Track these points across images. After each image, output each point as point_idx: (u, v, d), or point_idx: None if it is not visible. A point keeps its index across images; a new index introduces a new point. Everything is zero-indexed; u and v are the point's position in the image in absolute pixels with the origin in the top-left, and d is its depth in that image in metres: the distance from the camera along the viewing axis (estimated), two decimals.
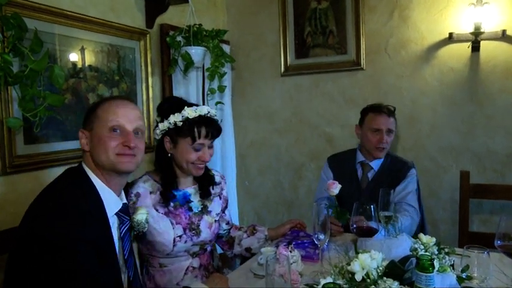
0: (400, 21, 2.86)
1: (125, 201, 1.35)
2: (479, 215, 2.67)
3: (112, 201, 1.27)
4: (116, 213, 1.30)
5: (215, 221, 1.79)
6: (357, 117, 2.98)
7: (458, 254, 1.50)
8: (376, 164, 2.27)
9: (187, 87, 2.77)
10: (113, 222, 1.27)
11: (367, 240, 1.40)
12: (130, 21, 2.46)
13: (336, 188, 1.73)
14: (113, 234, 1.25)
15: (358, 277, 1.08)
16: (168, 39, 2.56)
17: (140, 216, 1.48)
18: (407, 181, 2.15)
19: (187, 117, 1.61)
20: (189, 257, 1.71)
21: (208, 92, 2.75)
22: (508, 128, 2.65)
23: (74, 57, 2.13)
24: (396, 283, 1.09)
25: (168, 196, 1.66)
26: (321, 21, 3.06)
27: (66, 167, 2.07)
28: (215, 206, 1.81)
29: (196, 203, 1.75)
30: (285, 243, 1.42)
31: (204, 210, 1.76)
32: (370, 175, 2.28)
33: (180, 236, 1.64)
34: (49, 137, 2.02)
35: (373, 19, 2.93)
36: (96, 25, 2.23)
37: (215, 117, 1.73)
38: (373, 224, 1.53)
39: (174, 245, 1.63)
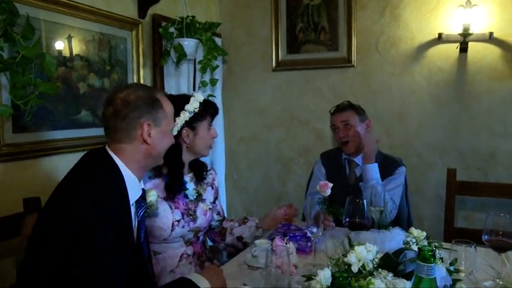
0: (391, 19, 2.90)
1: (143, 186, 1.36)
2: (462, 211, 2.73)
3: (135, 188, 1.29)
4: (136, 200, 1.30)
5: (209, 208, 1.83)
6: None
7: (445, 248, 1.55)
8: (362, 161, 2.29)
9: (178, 79, 2.76)
10: (133, 208, 1.28)
11: (361, 234, 1.43)
12: (122, 10, 2.44)
13: (328, 189, 1.76)
14: (132, 219, 1.26)
15: (355, 269, 1.11)
16: (160, 30, 2.54)
17: (152, 197, 1.51)
18: (394, 177, 2.18)
19: (200, 101, 1.71)
20: (183, 245, 1.74)
21: (200, 85, 2.74)
22: (492, 128, 2.72)
23: (62, 45, 2.09)
24: (390, 274, 1.12)
25: (174, 191, 1.69)
26: (313, 17, 3.07)
27: (57, 157, 2.09)
28: (208, 194, 1.87)
29: (191, 190, 1.80)
30: (280, 236, 1.44)
31: (199, 198, 1.81)
32: (357, 171, 2.30)
33: (178, 221, 1.68)
34: (38, 126, 1.99)
35: (365, 17, 2.95)
36: (87, 13, 2.19)
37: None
38: (365, 218, 1.56)
39: (172, 230, 1.65)
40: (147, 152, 1.29)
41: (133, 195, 1.28)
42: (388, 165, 2.23)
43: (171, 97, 1.68)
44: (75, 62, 2.16)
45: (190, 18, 2.58)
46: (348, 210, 1.59)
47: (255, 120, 3.36)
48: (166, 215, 1.66)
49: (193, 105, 1.70)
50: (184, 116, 1.70)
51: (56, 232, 1.09)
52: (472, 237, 1.48)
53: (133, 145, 1.27)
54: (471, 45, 2.67)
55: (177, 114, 1.67)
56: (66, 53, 2.12)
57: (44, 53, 1.71)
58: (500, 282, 1.38)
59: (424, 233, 1.45)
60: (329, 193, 1.76)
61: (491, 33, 2.61)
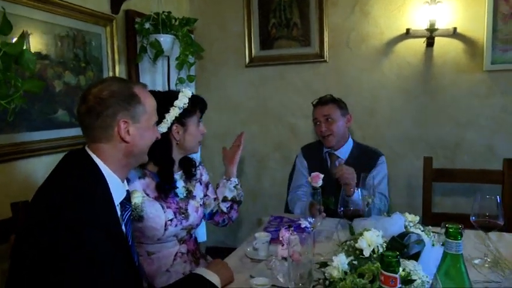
0: (361, 16, 2.99)
1: (127, 188, 1.31)
2: (433, 197, 2.87)
3: (118, 189, 1.23)
4: (120, 202, 1.26)
5: (200, 205, 1.81)
6: None
7: (434, 232, 1.63)
8: (343, 153, 2.33)
9: (153, 76, 2.71)
10: (118, 210, 1.23)
11: (362, 220, 1.48)
12: (94, 5, 2.35)
13: (320, 180, 1.79)
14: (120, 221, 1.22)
15: (366, 253, 1.15)
16: (136, 26, 2.49)
17: (137, 199, 1.47)
18: (378, 169, 2.24)
19: (189, 97, 1.68)
20: (176, 243, 1.72)
21: (177, 82, 2.69)
22: (457, 118, 2.89)
23: (36, 40, 1.99)
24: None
25: (166, 190, 1.66)
26: (286, 13, 3.12)
27: (34, 160, 2.00)
28: (198, 191, 1.85)
29: (181, 188, 1.77)
30: (285, 227, 1.46)
31: (189, 195, 1.79)
32: (338, 164, 2.36)
33: (171, 220, 1.65)
34: (15, 127, 1.89)
35: (336, 13, 3.03)
36: (58, 7, 2.09)
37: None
38: (359, 207, 1.62)
39: (165, 229, 1.62)
40: (127, 151, 1.22)
41: (117, 196, 1.22)
42: (369, 157, 2.30)
43: (158, 94, 1.65)
44: (50, 58, 2.06)
45: (166, 14, 2.53)
46: (342, 200, 1.63)
47: (229, 116, 3.36)
48: (159, 215, 1.63)
49: (182, 101, 1.67)
50: (174, 112, 1.66)
51: (36, 233, 1.05)
52: (449, 221, 1.56)
53: (112, 144, 1.20)
54: (437, 40, 2.81)
55: (166, 110, 1.64)
56: (41, 49, 2.02)
57: (23, 49, 1.62)
58: (488, 260, 1.48)
59: (417, 218, 1.52)
60: (320, 184, 1.80)
61: (455, 29, 2.77)
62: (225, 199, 1.91)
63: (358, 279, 1.01)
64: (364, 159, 2.27)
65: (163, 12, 2.53)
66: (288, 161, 3.25)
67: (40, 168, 2.02)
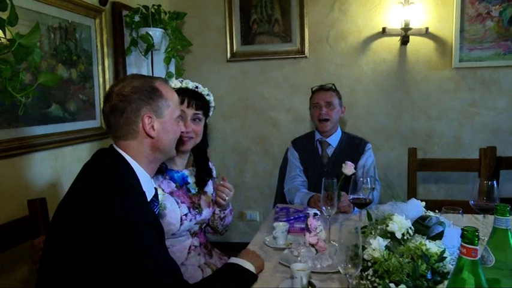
0: (340, 14, 3.12)
1: (155, 185, 1.31)
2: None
3: (149, 186, 1.23)
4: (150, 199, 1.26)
5: (211, 200, 1.83)
6: (300, 103, 3.21)
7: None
8: (333, 141, 2.43)
9: (139, 70, 2.67)
10: None
11: (380, 207, 1.57)
12: None
13: (352, 168, 1.85)
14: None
15: (398, 235, 1.25)
16: (127, 19, 2.43)
17: (161, 196, 1.46)
18: (367, 155, 2.38)
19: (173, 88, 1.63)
20: (189, 237, 1.73)
21: (166, 76, 2.67)
22: (428, 112, 3.11)
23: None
24: (425, 237, 1.29)
25: (161, 168, 1.65)
26: (267, 9, 3.18)
27: (36, 154, 1.92)
28: (209, 186, 1.86)
29: (192, 184, 1.78)
30: (313, 215, 1.52)
31: (201, 190, 1.80)
32: (329, 151, 2.44)
33: (186, 215, 1.66)
34: (12, 122, 1.80)
35: (316, 10, 3.14)
36: None
37: (203, 93, 1.82)
38: (367, 195, 1.71)
39: (181, 224, 1.64)
40: (153, 146, 1.22)
41: (148, 192, 1.23)
42: (356, 145, 2.42)
43: None
44: (43, 50, 1.98)
45: (156, 7, 2.50)
46: (352, 189, 1.73)
47: None
48: (174, 209, 1.64)
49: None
50: None
51: (68, 231, 1.05)
52: (432, 207, 1.69)
53: (138, 140, 1.20)
54: (411, 39, 3.00)
55: None
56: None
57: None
58: (485, 239, 1.64)
59: (424, 203, 1.65)
60: (351, 172, 1.85)
61: (427, 28, 2.97)
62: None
63: (401, 259, 1.11)
64: (352, 147, 2.40)
65: (153, 5, 2.49)
66: (270, 155, 3.34)
67: (35, 164, 1.94)
